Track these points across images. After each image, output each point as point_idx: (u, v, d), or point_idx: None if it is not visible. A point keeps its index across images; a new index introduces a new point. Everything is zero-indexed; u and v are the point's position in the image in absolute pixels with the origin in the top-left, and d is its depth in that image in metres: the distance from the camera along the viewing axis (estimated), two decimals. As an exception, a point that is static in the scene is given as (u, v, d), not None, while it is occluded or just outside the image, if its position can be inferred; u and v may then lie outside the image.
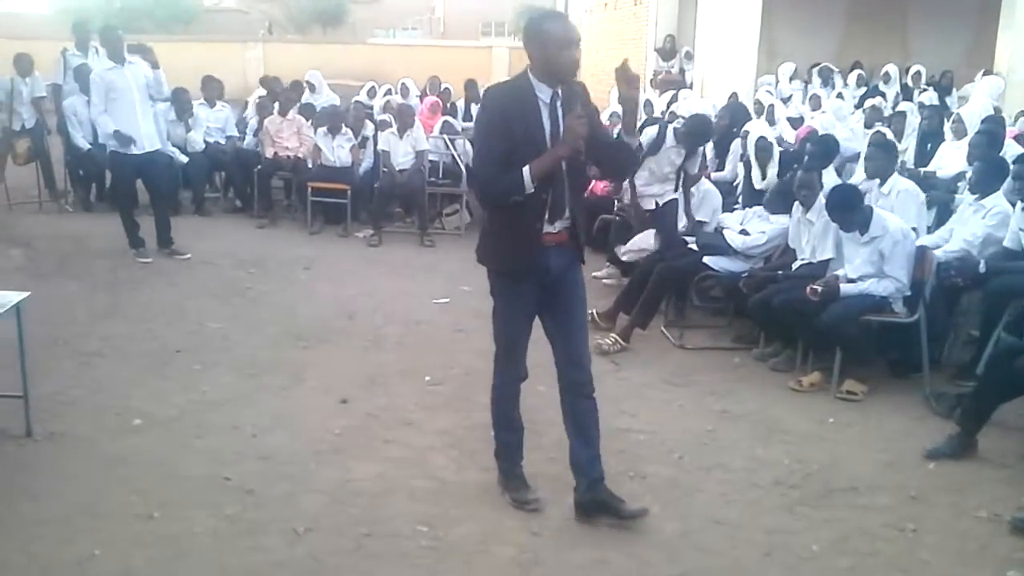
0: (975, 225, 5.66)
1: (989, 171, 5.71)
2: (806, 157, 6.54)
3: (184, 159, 9.55)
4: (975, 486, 4.12)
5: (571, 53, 3.47)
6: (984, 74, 12.73)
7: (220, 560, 3.38)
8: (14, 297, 4.28)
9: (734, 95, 10.96)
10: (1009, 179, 5.59)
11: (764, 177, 7.24)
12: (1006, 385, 4.36)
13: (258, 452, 4.30)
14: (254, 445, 4.38)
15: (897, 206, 5.90)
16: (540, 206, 3.56)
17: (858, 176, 6.55)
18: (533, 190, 3.45)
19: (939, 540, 3.67)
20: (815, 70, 14.40)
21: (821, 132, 7.99)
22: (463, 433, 4.59)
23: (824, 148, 6.64)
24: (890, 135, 7.86)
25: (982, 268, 5.34)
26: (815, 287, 5.19)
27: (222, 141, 10.13)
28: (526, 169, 3.44)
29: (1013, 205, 5.48)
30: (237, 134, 10.41)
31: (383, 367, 5.54)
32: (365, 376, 5.35)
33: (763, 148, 7.31)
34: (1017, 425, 4.67)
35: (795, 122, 10.12)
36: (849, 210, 5.26)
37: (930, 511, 3.90)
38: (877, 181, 6.05)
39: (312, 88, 12.01)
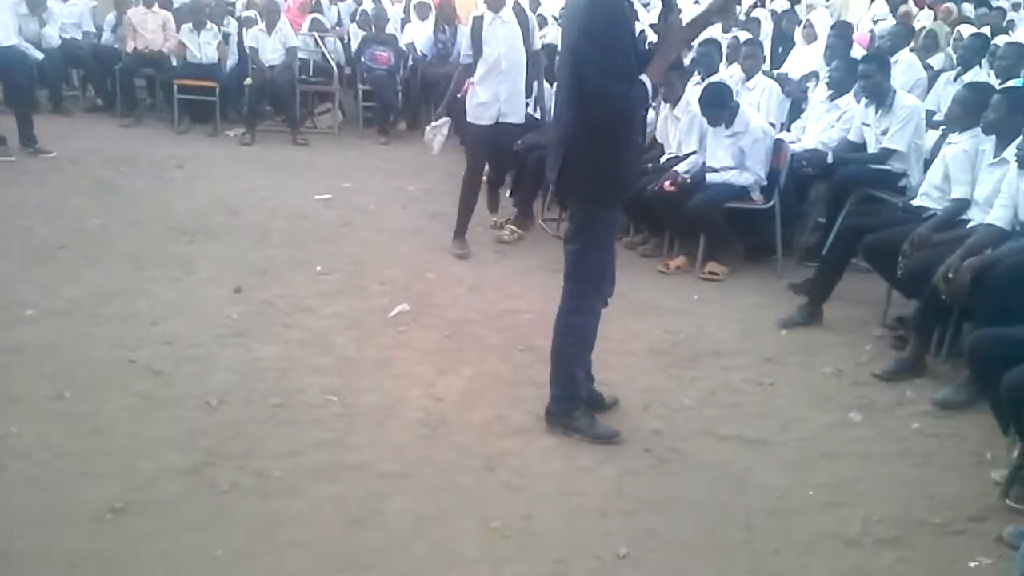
0: (829, 127, 6.16)
1: (844, 70, 6.21)
2: (695, 59, 6.86)
3: (39, 55, 9.11)
4: (821, 348, 4.67)
5: None
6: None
7: (140, 432, 3.52)
8: None
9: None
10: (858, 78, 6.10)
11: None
12: (846, 261, 4.93)
13: (160, 337, 4.39)
14: (154, 331, 4.47)
15: (761, 101, 6.40)
16: (642, 119, 3.45)
17: (724, 72, 6.98)
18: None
19: (792, 391, 4.18)
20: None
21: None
22: (360, 316, 4.81)
23: (713, 52, 6.98)
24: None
25: (830, 159, 5.86)
26: (667, 185, 5.59)
27: (78, 37, 9.70)
28: (645, 77, 3.21)
29: (858, 102, 5.99)
30: (94, 29, 9.96)
31: (273, 259, 5.66)
32: (256, 268, 5.47)
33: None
34: (855, 298, 5.24)
35: (657, 28, 10.46)
36: (720, 106, 5.65)
37: (783, 369, 4.42)
38: (743, 76, 6.50)
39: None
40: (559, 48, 3.71)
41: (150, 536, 2.89)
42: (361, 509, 3.09)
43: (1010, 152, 4.23)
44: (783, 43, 9.06)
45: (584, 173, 3.36)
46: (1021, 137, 4.13)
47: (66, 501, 3.05)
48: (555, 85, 3.76)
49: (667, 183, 5.60)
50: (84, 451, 3.37)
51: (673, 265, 5.77)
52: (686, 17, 3.57)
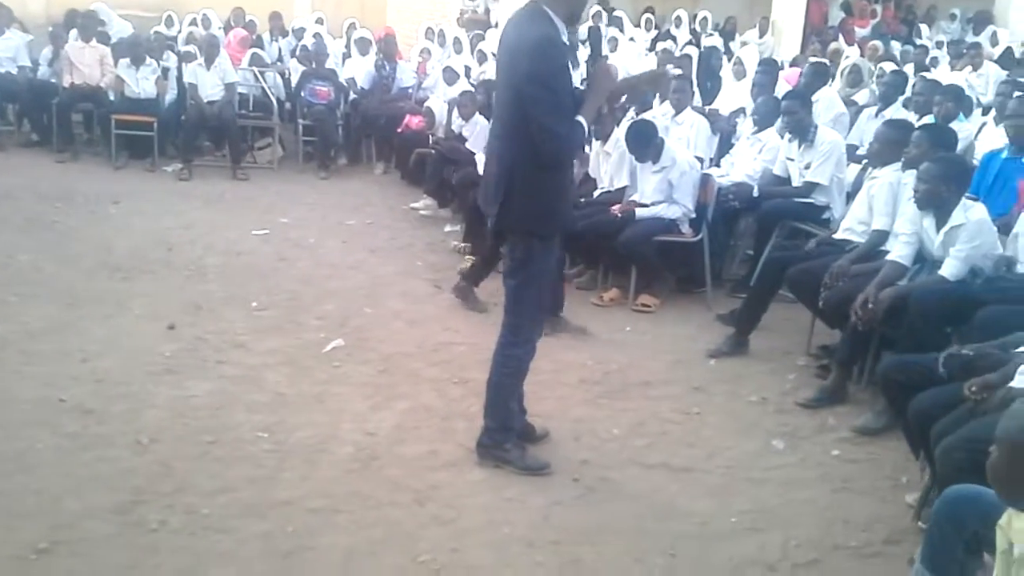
0: (752, 160, 6.38)
1: (768, 106, 6.44)
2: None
3: (-28, 90, 9.01)
4: (747, 377, 4.80)
5: None
6: (761, 20, 13.91)
7: (68, 471, 3.50)
8: None
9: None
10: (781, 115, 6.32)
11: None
12: (772, 292, 5.08)
13: (91, 375, 4.37)
14: (85, 369, 4.44)
15: (690, 136, 6.59)
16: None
17: (657, 109, 7.16)
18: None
19: (719, 419, 4.29)
20: (603, 13, 15.04)
21: (623, 74, 8.56)
22: (294, 352, 4.83)
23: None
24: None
25: (755, 193, 6.05)
26: (617, 210, 5.74)
27: (13, 71, 9.59)
28: (580, 118, 3.36)
29: (782, 137, 6.20)
30: (30, 64, 9.86)
31: (207, 295, 5.65)
32: (190, 304, 5.45)
33: None
34: (781, 328, 5.38)
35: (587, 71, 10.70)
36: (645, 143, 5.81)
37: (711, 398, 4.54)
38: (673, 112, 6.70)
39: (101, 23, 11.41)
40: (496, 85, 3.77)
41: (75, 576, 2.88)
42: (290, 545, 3.11)
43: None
44: (710, 79, 9.32)
45: (526, 208, 3.44)
46: (915, 179, 4.31)
47: (-10, 543, 3.02)
48: (491, 121, 3.82)
49: (618, 209, 5.73)
50: (10, 491, 3.35)
51: (607, 297, 5.88)
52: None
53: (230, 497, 3.38)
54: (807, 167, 5.84)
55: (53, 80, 9.59)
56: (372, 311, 5.53)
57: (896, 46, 13.73)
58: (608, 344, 5.20)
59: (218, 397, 4.25)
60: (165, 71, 9.56)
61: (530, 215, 3.45)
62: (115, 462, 3.60)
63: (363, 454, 3.79)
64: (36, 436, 3.75)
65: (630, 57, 10.48)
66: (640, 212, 5.80)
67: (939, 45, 13.33)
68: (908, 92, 7.34)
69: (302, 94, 9.71)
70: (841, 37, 14.49)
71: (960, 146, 5.94)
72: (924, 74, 8.11)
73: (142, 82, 9.17)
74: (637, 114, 6.49)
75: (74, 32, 9.64)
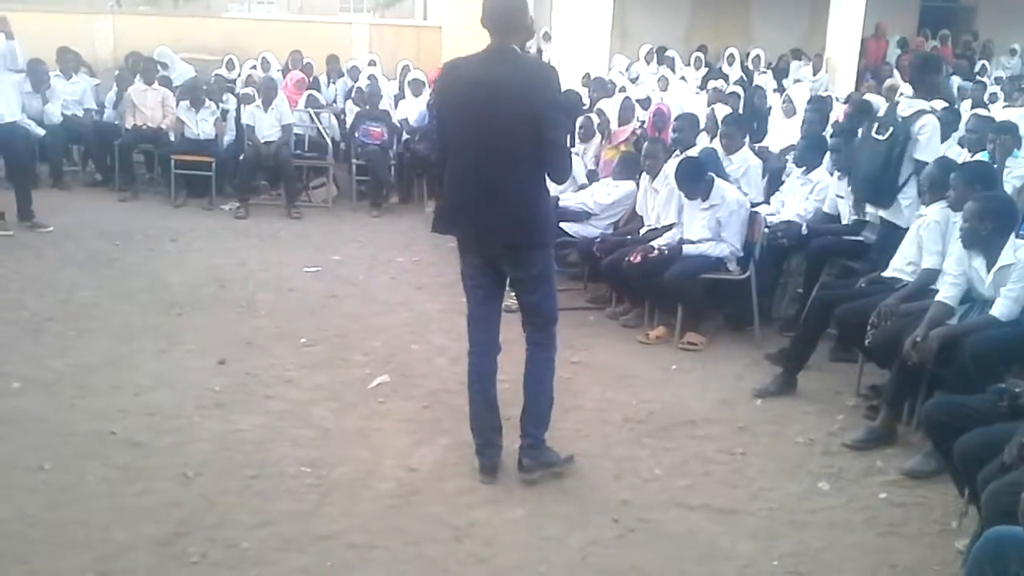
0: (804, 199, 6.33)
1: (811, 147, 6.41)
2: (674, 135, 7.02)
3: (41, 132, 9.33)
4: (794, 417, 4.73)
5: None
6: (815, 57, 13.88)
7: (115, 503, 3.59)
8: None
9: (587, 75, 11.51)
10: (828, 152, 6.27)
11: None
12: (820, 331, 5.02)
13: (142, 409, 4.48)
14: (137, 403, 4.55)
15: (743, 177, 6.57)
16: None
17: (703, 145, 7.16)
18: None
19: (763, 461, 4.23)
20: (654, 52, 15.13)
21: (676, 111, 8.60)
22: (341, 387, 4.89)
23: (687, 128, 7.18)
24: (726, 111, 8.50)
25: (804, 230, 6.00)
26: (632, 257, 5.73)
27: (80, 113, 9.96)
28: None
29: (831, 175, 6.15)
30: (95, 106, 10.23)
31: (258, 331, 5.75)
32: (241, 339, 5.56)
33: (626, 108, 8.01)
34: (829, 368, 5.32)
35: (644, 103, 10.74)
36: (694, 180, 5.80)
37: (756, 439, 4.47)
38: (724, 152, 6.71)
39: (164, 65, 11.81)
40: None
41: (117, 607, 2.93)
42: (327, 580, 3.14)
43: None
44: (756, 118, 9.30)
45: (542, 225, 3.80)
46: (961, 219, 4.24)
47: (38, 571, 3.11)
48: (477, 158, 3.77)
49: (635, 255, 5.72)
50: (59, 522, 3.44)
51: (653, 335, 5.85)
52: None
53: (271, 531, 3.43)
54: (856, 204, 5.77)
55: (117, 122, 9.92)
56: (418, 347, 5.58)
57: (957, 81, 13.56)
58: (653, 383, 5.17)
59: (264, 432, 4.31)
60: (224, 113, 9.83)
61: (546, 230, 3.85)
62: (161, 494, 3.67)
63: (404, 489, 3.82)
64: (87, 468, 3.86)
65: (681, 96, 10.48)
66: (687, 249, 5.78)
67: (998, 81, 13.12)
68: (962, 129, 7.23)
69: (356, 134, 9.89)
70: (897, 73, 14.37)
71: (1018, 183, 5.86)
72: (979, 110, 7.98)
73: (201, 123, 9.44)
74: (682, 151, 6.49)
75: (138, 75, 9.96)
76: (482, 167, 3.71)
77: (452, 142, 3.78)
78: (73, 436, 4.15)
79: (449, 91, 3.81)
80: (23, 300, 6.06)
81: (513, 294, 3.99)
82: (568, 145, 3.76)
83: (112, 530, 3.38)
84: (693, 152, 6.46)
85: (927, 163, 5.13)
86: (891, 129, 5.33)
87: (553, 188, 4.01)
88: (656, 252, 5.77)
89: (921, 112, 5.31)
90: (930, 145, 5.28)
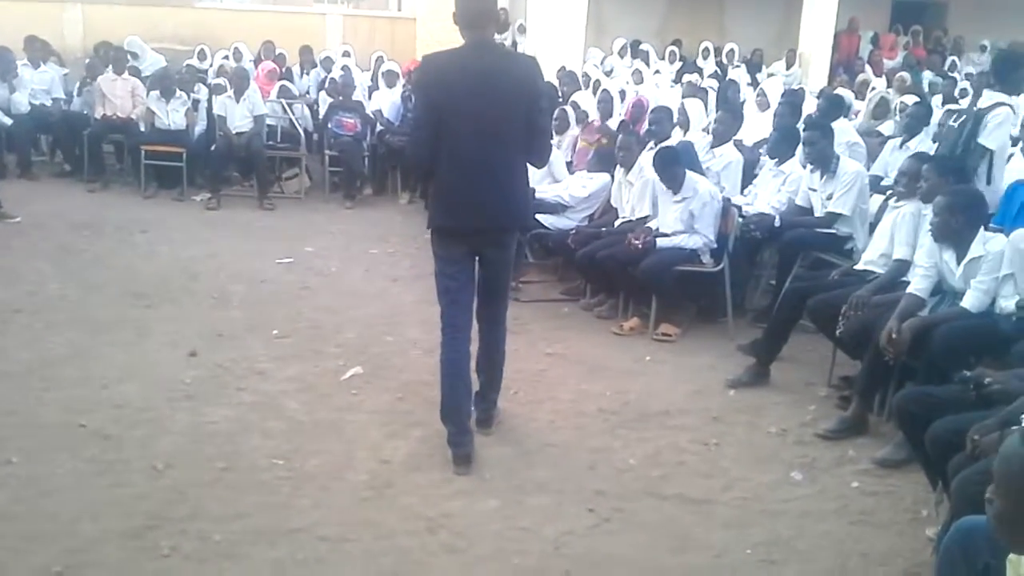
0: (776, 191, 6.36)
1: (783, 139, 6.45)
2: (649, 127, 7.04)
3: (8, 121, 9.20)
4: (767, 408, 4.75)
5: None
6: (789, 52, 13.95)
7: (84, 496, 3.54)
8: None
9: (562, 68, 11.49)
10: (801, 144, 6.30)
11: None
12: (793, 322, 5.05)
13: (111, 401, 4.42)
14: (106, 395, 4.49)
15: (724, 170, 6.58)
16: None
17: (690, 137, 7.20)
18: None
19: (737, 451, 4.24)
20: (628, 46, 15.13)
21: (652, 104, 8.61)
22: (313, 379, 4.85)
23: (664, 120, 7.19)
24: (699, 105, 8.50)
25: (777, 223, 6.02)
26: (634, 239, 5.72)
27: (48, 103, 9.82)
28: None
29: (804, 167, 6.18)
30: (64, 96, 10.09)
31: (230, 323, 5.70)
32: (212, 331, 5.50)
33: (605, 100, 8.10)
34: (802, 360, 5.34)
35: (619, 95, 10.74)
36: (672, 167, 5.80)
37: (729, 429, 4.49)
38: (711, 141, 6.73)
39: (135, 55, 11.66)
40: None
41: (85, 601, 2.89)
42: (300, 573, 3.12)
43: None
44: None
45: (528, 207, 4.27)
46: (931, 213, 4.28)
47: (6, 565, 3.07)
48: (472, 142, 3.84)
49: (635, 239, 5.72)
50: (27, 515, 3.39)
51: (627, 327, 5.86)
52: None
53: (242, 524, 3.40)
54: (829, 197, 5.80)
55: (86, 112, 9.78)
56: (392, 339, 5.55)
57: (929, 75, 13.67)
58: (627, 374, 5.17)
59: (235, 424, 4.27)
60: (196, 103, 9.72)
61: (530, 212, 4.47)
62: (130, 487, 3.63)
63: (377, 481, 3.79)
64: (56, 460, 3.80)
65: (655, 89, 10.50)
66: (660, 242, 5.79)
67: (967, 77, 13.23)
68: (934, 124, 7.29)
69: (329, 125, 9.82)
70: (869, 69, 14.47)
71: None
72: (950, 106, 8.05)
73: (172, 114, 9.33)
74: (656, 144, 6.49)
75: (108, 65, 9.82)
76: (480, 155, 3.79)
77: (447, 133, 3.78)
78: (41, 429, 4.09)
79: (442, 84, 3.81)
80: (-11, 291, 5.97)
81: None
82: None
83: (81, 523, 3.34)
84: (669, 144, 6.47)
85: (991, 150, 5.23)
86: (963, 117, 5.40)
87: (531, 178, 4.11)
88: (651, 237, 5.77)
89: (999, 104, 5.37)
90: (996, 132, 5.34)
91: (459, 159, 3.81)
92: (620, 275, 5.88)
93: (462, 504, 3.64)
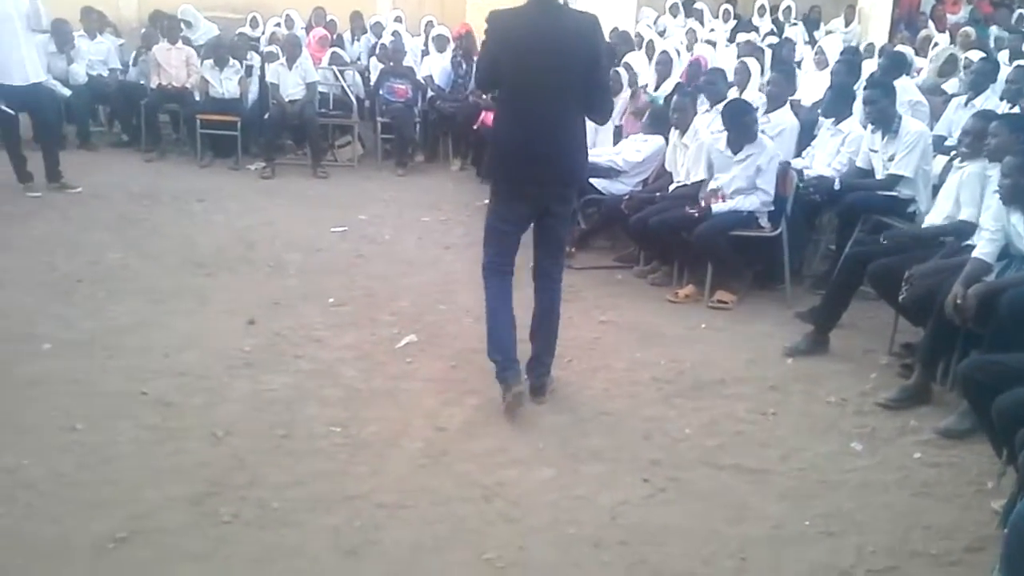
0: (835, 152, 6.20)
1: (839, 96, 6.28)
2: (703, 88, 6.92)
3: (67, 92, 9.34)
4: (825, 377, 4.67)
5: None
6: (847, 8, 13.57)
7: (146, 463, 3.61)
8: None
9: (615, 28, 11.31)
10: (861, 104, 6.13)
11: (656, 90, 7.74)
12: (853, 289, 4.94)
13: (172, 369, 4.49)
14: (167, 363, 4.56)
15: (777, 137, 6.43)
16: None
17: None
18: None
19: (794, 420, 4.19)
20: (681, 4, 14.81)
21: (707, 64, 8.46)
22: (369, 347, 4.88)
23: (719, 80, 7.07)
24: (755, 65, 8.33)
25: (837, 185, 5.88)
26: (693, 209, 5.65)
27: (105, 74, 9.94)
28: None
29: (864, 127, 6.01)
30: (120, 66, 10.22)
31: (286, 291, 5.75)
32: (269, 299, 5.56)
33: (663, 62, 7.95)
34: (862, 327, 5.24)
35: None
36: (744, 117, 5.69)
37: (787, 398, 4.42)
38: (764, 105, 6.59)
39: (188, 24, 11.76)
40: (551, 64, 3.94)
41: (150, 566, 2.97)
42: (357, 540, 3.15)
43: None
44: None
45: (585, 161, 4.25)
46: (999, 174, 4.12)
47: (70, 531, 3.13)
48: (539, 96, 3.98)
49: (699, 206, 5.68)
50: (91, 482, 3.46)
51: (682, 294, 5.79)
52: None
53: (300, 491, 3.44)
54: (891, 159, 5.64)
55: (142, 82, 9.90)
56: (445, 307, 5.56)
57: (995, 31, 13.21)
58: (683, 342, 5.12)
59: (293, 391, 4.32)
60: (248, 71, 9.78)
61: (585, 167, 4.36)
62: (191, 454, 3.69)
63: (433, 449, 3.81)
64: (118, 428, 3.88)
65: (709, 49, 10.30)
66: (716, 207, 5.69)
67: (1037, 30, 12.75)
68: (1001, 81, 7.04)
69: (380, 92, 9.82)
70: (932, 24, 14.02)
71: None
72: (1019, 61, 7.76)
73: (225, 82, 9.40)
74: (711, 106, 6.37)
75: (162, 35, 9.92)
76: (541, 110, 3.95)
77: (509, 88, 3.99)
78: (104, 396, 4.17)
79: (510, 42, 3.94)
80: (53, 261, 6.08)
81: None
82: None
83: (143, 489, 3.40)
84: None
85: None
86: None
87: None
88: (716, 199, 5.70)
89: None
90: None
91: (520, 113, 3.98)
92: (675, 241, 5.80)
93: (517, 473, 3.64)
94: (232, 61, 9.50)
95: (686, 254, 5.86)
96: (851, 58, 7.37)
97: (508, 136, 4.05)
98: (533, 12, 3.90)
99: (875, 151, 5.81)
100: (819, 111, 7.21)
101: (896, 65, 7.29)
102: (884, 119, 5.65)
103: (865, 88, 5.92)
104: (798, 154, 6.65)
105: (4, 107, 7.41)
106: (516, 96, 3.98)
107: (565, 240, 4.32)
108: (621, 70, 8.11)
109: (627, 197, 6.31)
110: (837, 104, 6.24)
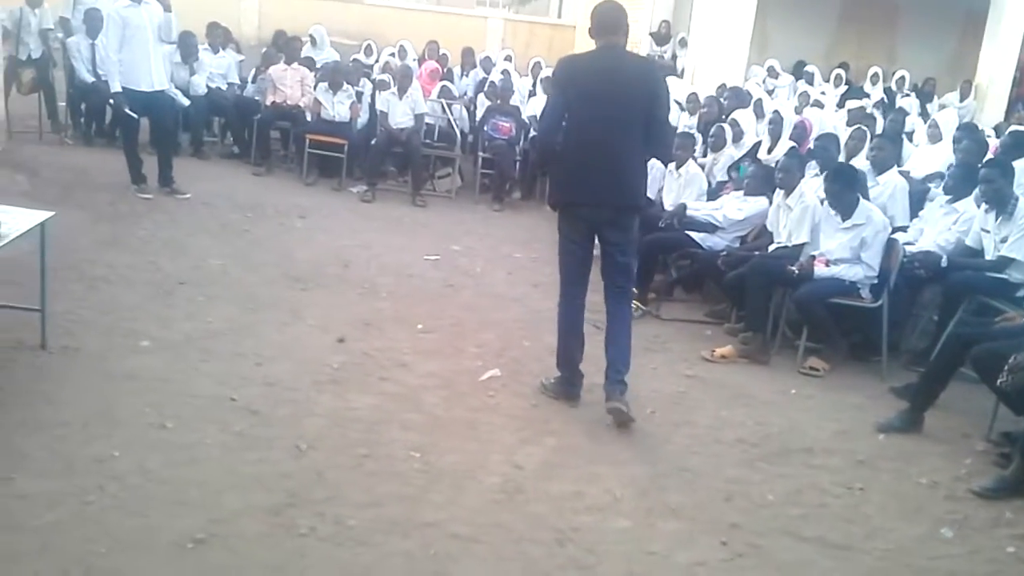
0: (946, 229, 6.04)
1: (964, 175, 6.10)
2: (814, 152, 6.85)
3: (186, 102, 9.71)
4: (918, 457, 4.50)
5: None
6: (964, 83, 13.26)
7: (230, 468, 3.68)
8: (40, 216, 4.53)
9: (722, 85, 11.28)
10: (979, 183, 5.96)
11: (770, 151, 7.67)
12: (953, 369, 4.77)
13: (262, 378, 4.58)
14: (258, 372, 4.66)
15: (889, 199, 6.30)
16: None
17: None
18: None
19: (882, 499, 4.04)
20: (794, 67, 14.68)
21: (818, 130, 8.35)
22: (452, 376, 4.90)
23: (831, 146, 7.00)
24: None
25: (944, 262, 5.72)
26: (793, 267, 5.56)
27: (223, 87, 10.32)
28: None
29: (979, 206, 5.84)
30: (239, 81, 10.59)
31: (377, 313, 5.83)
32: (360, 320, 5.64)
33: (775, 122, 7.88)
34: (959, 409, 5.03)
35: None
36: (849, 188, 5.60)
37: (876, 475, 4.28)
38: (871, 170, 6.46)
39: (314, 42, 12.17)
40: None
41: (225, 570, 3.00)
42: (429, 568, 3.14)
43: None
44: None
45: (644, 190, 4.77)
46: None
47: (153, 526, 3.20)
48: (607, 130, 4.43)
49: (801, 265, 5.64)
50: (176, 480, 3.54)
51: (719, 353, 5.63)
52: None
53: (377, 512, 3.46)
54: (1003, 240, 5.47)
55: (257, 98, 10.24)
56: (529, 344, 5.56)
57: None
58: (771, 405, 5.01)
59: (376, 412, 4.36)
60: (359, 96, 10.03)
61: (644, 195, 4.80)
62: (274, 464, 3.75)
63: (509, 486, 3.80)
64: (205, 431, 3.96)
65: (817, 112, 10.18)
66: (819, 271, 5.58)
67: None
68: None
69: (485, 128, 9.95)
70: (1052, 105, 13.61)
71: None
72: None
73: (337, 106, 9.66)
74: (821, 170, 6.28)
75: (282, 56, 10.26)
76: (602, 138, 4.38)
77: (577, 121, 4.42)
78: (195, 398, 4.28)
79: (577, 79, 4.43)
80: (158, 262, 6.29)
81: None
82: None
83: (225, 494, 3.47)
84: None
85: None
86: None
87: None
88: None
89: None
90: None
91: (583, 142, 4.41)
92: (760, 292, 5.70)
93: (592, 520, 3.60)
94: (346, 86, 9.77)
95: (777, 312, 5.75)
96: (977, 136, 7.15)
97: (569, 161, 4.47)
98: (599, 54, 4.46)
99: (987, 231, 5.64)
100: (931, 184, 7.06)
101: (1018, 145, 7.08)
102: (1000, 200, 5.49)
103: (982, 167, 5.76)
104: (914, 214, 6.49)
105: (128, 111, 7.73)
106: (581, 127, 4.40)
107: (631, 266, 4.64)
108: (726, 126, 8.08)
109: (724, 253, 6.24)
110: (960, 183, 6.07)
